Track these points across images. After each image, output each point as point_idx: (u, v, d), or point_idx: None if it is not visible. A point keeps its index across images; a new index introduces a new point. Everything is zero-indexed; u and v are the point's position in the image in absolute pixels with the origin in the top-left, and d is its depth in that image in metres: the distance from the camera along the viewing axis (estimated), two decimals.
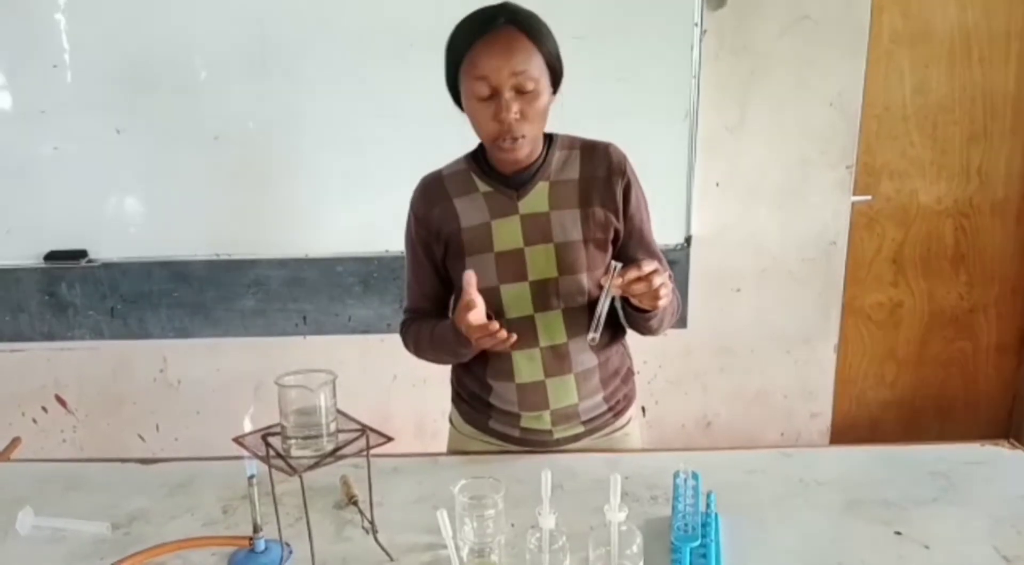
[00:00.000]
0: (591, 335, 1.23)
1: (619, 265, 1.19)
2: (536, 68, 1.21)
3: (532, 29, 1.22)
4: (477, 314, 1.21)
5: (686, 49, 2.29)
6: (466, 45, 1.21)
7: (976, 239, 2.73)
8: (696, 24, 2.28)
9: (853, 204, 2.56)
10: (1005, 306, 2.80)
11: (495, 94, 1.21)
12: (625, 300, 1.27)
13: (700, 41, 2.29)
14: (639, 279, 1.16)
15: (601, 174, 1.34)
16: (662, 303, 1.20)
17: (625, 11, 2.25)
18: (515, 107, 1.21)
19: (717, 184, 2.49)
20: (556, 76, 1.27)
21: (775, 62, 2.41)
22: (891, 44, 2.52)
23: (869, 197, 2.64)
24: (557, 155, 1.34)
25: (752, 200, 2.52)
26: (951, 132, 2.62)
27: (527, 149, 1.28)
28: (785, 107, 2.45)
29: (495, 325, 1.18)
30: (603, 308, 1.22)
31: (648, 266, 1.16)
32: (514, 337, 1.21)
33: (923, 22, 2.52)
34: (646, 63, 2.29)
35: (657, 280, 1.16)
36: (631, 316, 1.33)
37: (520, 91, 1.21)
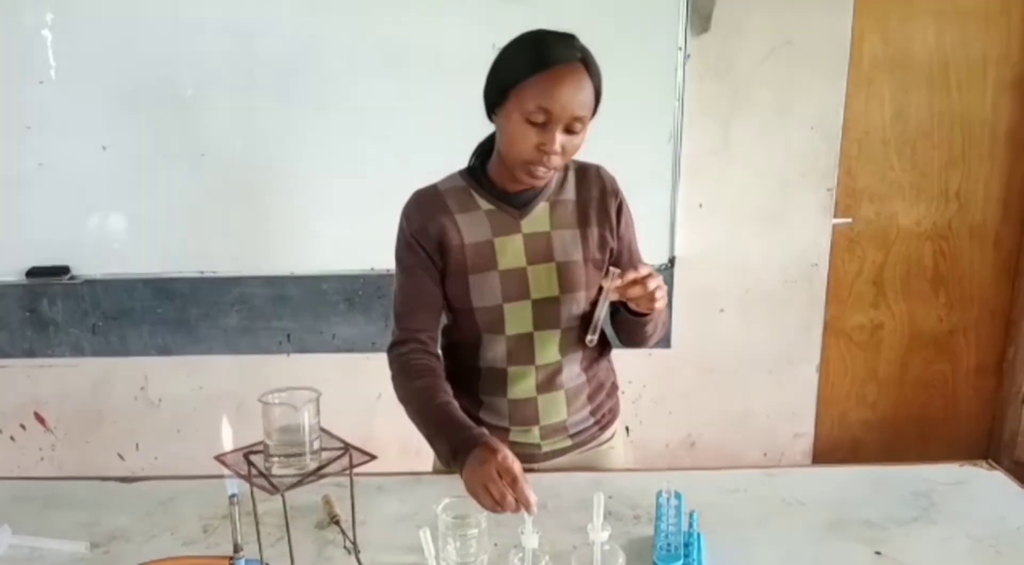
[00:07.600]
0: (589, 337, 1.24)
1: (618, 270, 1.21)
2: (590, 113, 1.22)
3: (596, 73, 1.21)
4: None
5: (670, 72, 2.33)
6: (534, 67, 1.18)
7: (955, 262, 2.76)
8: (680, 48, 2.31)
9: (834, 226, 2.60)
10: (984, 328, 2.83)
11: (547, 124, 1.19)
12: (624, 307, 1.29)
13: (684, 65, 2.33)
14: (635, 282, 1.18)
15: (596, 195, 1.37)
16: (659, 306, 1.22)
17: (610, 35, 2.28)
18: (560, 141, 1.21)
19: (701, 205, 2.52)
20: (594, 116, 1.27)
21: (758, 86, 2.45)
22: (871, 70, 2.57)
23: (850, 219, 2.67)
24: (555, 176, 1.36)
25: (735, 221, 2.55)
26: (930, 156, 2.66)
27: (549, 177, 1.30)
28: (767, 130, 2.48)
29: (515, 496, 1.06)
30: (602, 311, 1.24)
31: (644, 269, 1.19)
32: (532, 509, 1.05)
33: (902, 49, 2.56)
34: (631, 86, 2.31)
35: (652, 283, 1.19)
36: (628, 322, 1.34)
37: (570, 130, 1.21)
